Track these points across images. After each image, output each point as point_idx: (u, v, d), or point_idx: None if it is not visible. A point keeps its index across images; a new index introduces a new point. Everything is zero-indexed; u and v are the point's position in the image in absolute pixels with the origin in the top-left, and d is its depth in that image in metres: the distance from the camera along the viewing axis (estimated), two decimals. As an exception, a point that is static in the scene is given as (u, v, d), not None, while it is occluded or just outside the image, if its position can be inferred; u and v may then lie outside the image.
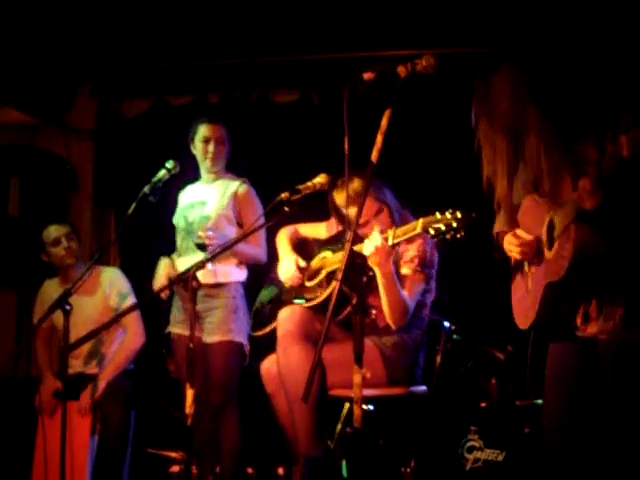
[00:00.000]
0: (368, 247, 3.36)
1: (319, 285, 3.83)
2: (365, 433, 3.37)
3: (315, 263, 3.97)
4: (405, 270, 3.71)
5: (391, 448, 3.65)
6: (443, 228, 2.90)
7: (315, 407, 3.51)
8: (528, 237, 2.74)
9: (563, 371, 2.69)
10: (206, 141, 4.23)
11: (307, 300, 3.80)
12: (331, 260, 3.85)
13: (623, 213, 2.44)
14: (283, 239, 4.17)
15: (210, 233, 3.98)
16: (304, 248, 4.12)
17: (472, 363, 4.13)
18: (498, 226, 2.93)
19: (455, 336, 4.03)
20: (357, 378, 2.36)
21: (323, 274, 3.83)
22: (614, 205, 2.41)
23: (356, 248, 3.48)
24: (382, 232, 3.35)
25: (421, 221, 3.13)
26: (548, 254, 2.61)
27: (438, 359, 3.94)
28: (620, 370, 2.53)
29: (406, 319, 3.63)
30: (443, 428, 3.95)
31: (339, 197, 3.81)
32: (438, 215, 2.95)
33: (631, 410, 2.52)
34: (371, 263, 3.40)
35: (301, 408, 3.48)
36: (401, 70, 2.48)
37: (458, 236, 2.87)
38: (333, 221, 4.05)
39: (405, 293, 3.62)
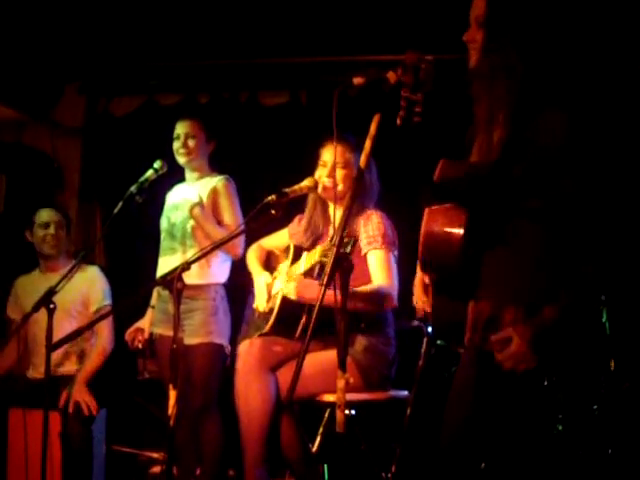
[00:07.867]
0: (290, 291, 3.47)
1: (271, 310, 3.71)
2: (347, 438, 3.37)
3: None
4: (370, 251, 3.59)
5: (372, 453, 3.64)
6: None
7: (266, 449, 3.52)
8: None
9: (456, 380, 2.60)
10: (177, 137, 4.21)
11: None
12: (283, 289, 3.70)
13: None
14: (252, 259, 4.10)
15: None
16: (272, 263, 4.05)
17: (455, 369, 4.12)
18: None
19: (438, 341, 4.02)
20: (340, 383, 2.36)
21: (278, 303, 3.69)
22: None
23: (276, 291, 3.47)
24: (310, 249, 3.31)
25: (319, 248, 3.18)
26: None
27: (421, 364, 3.94)
28: (480, 388, 2.42)
29: (392, 301, 3.54)
30: (425, 433, 3.95)
31: (326, 153, 3.71)
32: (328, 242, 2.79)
33: (492, 434, 2.40)
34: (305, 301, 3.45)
35: (251, 444, 3.49)
36: (391, 76, 2.48)
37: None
38: (295, 222, 3.96)
39: (378, 282, 3.52)
